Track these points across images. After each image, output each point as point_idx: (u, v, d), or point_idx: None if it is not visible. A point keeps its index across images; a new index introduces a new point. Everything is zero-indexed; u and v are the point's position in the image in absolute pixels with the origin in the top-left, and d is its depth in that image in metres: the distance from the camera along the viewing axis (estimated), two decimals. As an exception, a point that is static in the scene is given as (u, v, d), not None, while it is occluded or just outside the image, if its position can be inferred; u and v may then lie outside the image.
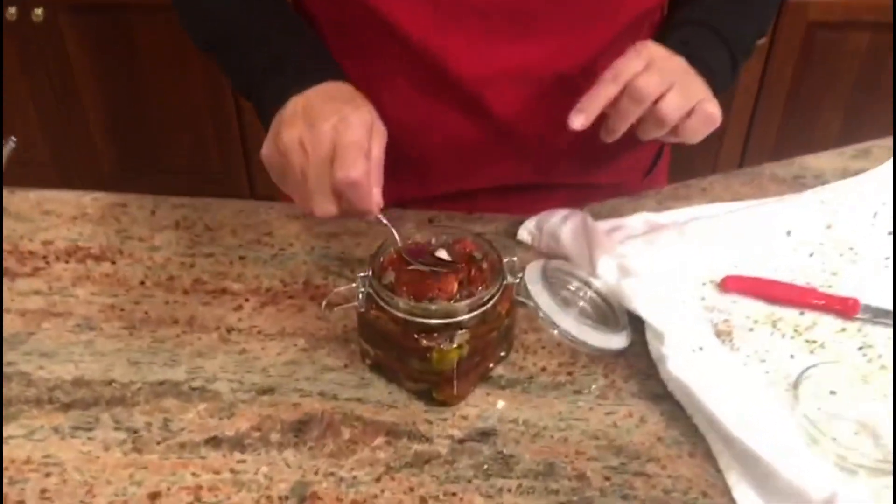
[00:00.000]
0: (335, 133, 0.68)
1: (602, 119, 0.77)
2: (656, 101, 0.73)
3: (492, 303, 0.71)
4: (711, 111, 0.76)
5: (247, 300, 0.85)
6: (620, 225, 0.94)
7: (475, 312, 0.70)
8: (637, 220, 0.95)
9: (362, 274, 0.73)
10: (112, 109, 2.52)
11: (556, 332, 0.75)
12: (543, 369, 0.78)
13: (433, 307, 0.70)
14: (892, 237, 0.90)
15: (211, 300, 0.85)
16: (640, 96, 0.73)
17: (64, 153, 2.61)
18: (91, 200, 0.99)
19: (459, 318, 0.70)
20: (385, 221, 0.73)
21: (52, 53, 2.32)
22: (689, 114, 0.75)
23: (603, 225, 0.92)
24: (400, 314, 0.70)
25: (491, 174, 0.96)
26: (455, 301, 0.71)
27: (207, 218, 0.97)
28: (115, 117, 2.53)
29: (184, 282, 0.88)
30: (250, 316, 0.83)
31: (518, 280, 0.74)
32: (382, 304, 0.71)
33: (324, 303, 0.73)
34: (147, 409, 0.74)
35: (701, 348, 0.74)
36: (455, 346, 0.70)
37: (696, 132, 0.77)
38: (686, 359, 0.73)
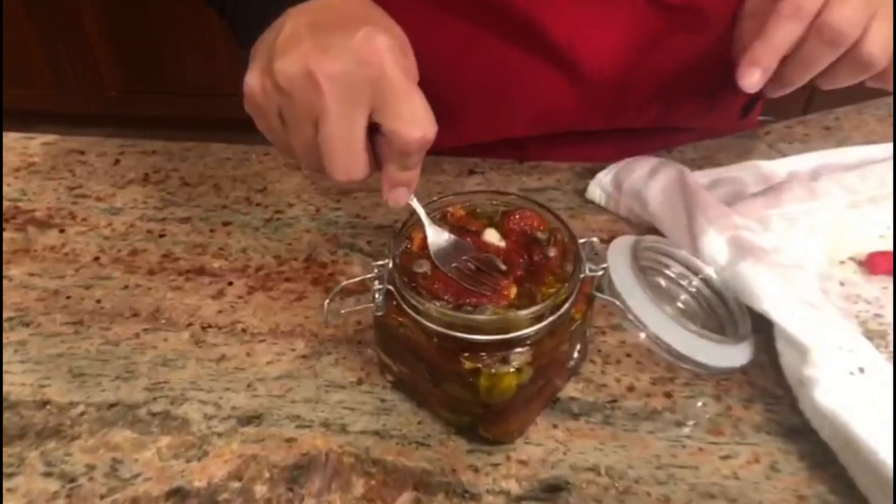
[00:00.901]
0: (366, 58, 0.46)
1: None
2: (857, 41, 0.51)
3: (565, 307, 0.49)
4: None
5: (230, 284, 0.64)
6: (721, 178, 0.71)
7: (542, 324, 0.48)
8: (746, 172, 0.72)
9: (379, 263, 0.51)
10: (114, 25, 2.29)
11: (649, 340, 0.53)
12: (631, 388, 0.56)
13: (482, 317, 0.48)
14: None
15: (183, 284, 0.65)
16: (834, 36, 0.50)
17: (67, 76, 2.41)
18: (41, 146, 0.78)
19: (519, 334, 0.48)
20: (414, 204, 0.52)
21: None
22: None
23: (699, 178, 0.69)
24: (434, 326, 0.48)
25: (547, 118, 0.73)
26: (513, 309, 0.49)
27: (184, 169, 0.75)
28: (118, 34, 2.31)
29: (150, 257, 0.67)
30: (234, 306, 0.63)
31: (602, 272, 0.52)
32: (408, 309, 0.49)
33: (325, 304, 0.52)
34: (90, 446, 0.54)
35: (861, 370, 0.52)
36: (512, 369, 0.49)
37: None
38: (841, 384, 0.51)
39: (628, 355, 0.59)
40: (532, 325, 0.48)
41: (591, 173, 0.72)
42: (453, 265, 0.50)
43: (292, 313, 0.62)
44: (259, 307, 0.62)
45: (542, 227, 0.54)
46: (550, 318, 0.49)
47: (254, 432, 0.54)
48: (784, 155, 0.74)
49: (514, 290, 0.50)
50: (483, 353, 0.49)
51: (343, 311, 0.52)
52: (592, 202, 0.71)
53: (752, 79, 0.53)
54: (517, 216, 0.54)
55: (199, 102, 2.37)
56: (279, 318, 0.61)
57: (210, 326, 0.61)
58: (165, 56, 2.33)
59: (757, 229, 0.61)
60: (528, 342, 0.49)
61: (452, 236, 0.52)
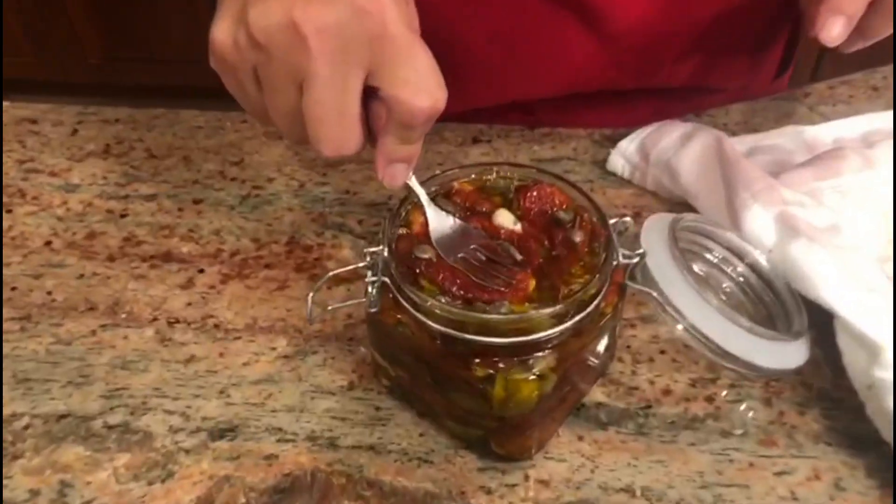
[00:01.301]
0: (364, 7, 0.38)
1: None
2: None
3: (595, 302, 0.41)
4: None
5: (201, 271, 0.56)
6: (759, 146, 0.63)
7: (568, 323, 0.40)
8: (787, 139, 0.63)
9: (372, 250, 0.43)
10: (91, -11, 2.18)
11: (687, 334, 0.45)
12: (667, 392, 0.49)
13: (497, 316, 0.40)
14: None
15: (147, 272, 0.56)
16: None
17: (45, 44, 2.29)
18: (-12, 114, 0.69)
19: (543, 335, 0.40)
20: (413, 183, 0.44)
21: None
22: None
23: (737, 144, 0.61)
24: (438, 326, 0.40)
25: (566, 76, 0.65)
26: (533, 305, 0.41)
27: (151, 139, 0.66)
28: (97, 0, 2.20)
29: (109, 241, 0.58)
30: (205, 298, 0.54)
31: (638, 259, 0.44)
32: (408, 305, 0.41)
33: (309, 297, 0.43)
34: (35, 466, 0.46)
35: (943, 371, 0.44)
36: (533, 376, 0.41)
37: None
38: (920, 389, 0.43)
39: (662, 352, 0.51)
40: (557, 324, 0.40)
41: (612, 141, 0.63)
42: (460, 255, 0.42)
43: (272, 305, 0.54)
44: (234, 299, 0.54)
45: (564, 206, 0.46)
46: (578, 316, 0.40)
47: (227, 448, 0.46)
48: (827, 119, 0.65)
49: (532, 283, 0.42)
50: (497, 358, 0.41)
51: (330, 307, 0.44)
52: (614, 174, 0.62)
53: (833, 30, 0.45)
54: (534, 193, 0.46)
55: (184, 70, 2.26)
56: (257, 312, 0.53)
57: (178, 322, 0.53)
58: (147, 22, 2.22)
59: (809, 204, 0.53)
60: (552, 344, 0.41)
61: (458, 221, 0.44)
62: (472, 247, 0.43)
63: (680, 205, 0.59)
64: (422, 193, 0.44)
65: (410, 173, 0.43)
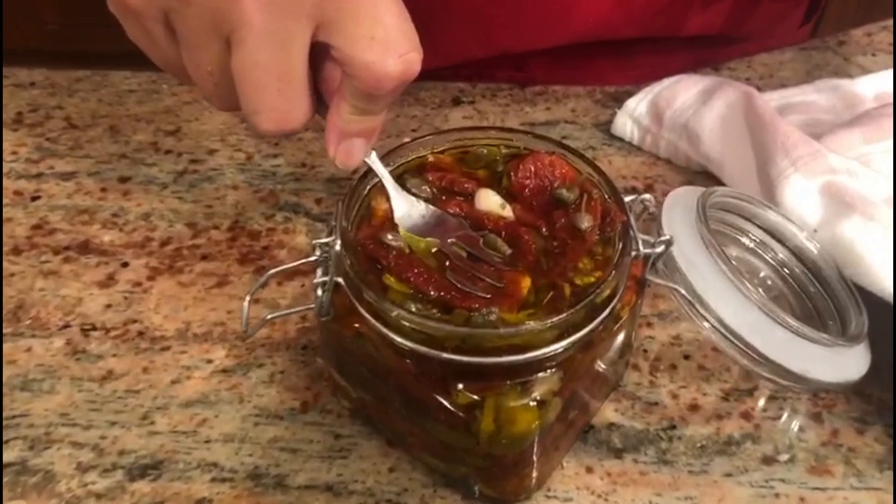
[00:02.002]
0: None
1: None
2: None
3: (610, 307, 0.32)
4: None
5: (125, 265, 0.46)
6: (790, 104, 0.53)
7: (574, 337, 0.31)
8: (821, 95, 0.54)
9: (322, 241, 0.33)
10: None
11: (718, 335, 0.36)
12: (694, 407, 0.40)
13: (483, 331, 0.30)
14: None
15: (60, 266, 0.46)
16: None
17: (1, 9, 2.16)
18: None
19: (540, 353, 0.30)
20: (373, 162, 0.35)
21: None
22: None
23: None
24: (408, 342, 0.31)
25: (562, 24, 0.55)
26: (530, 313, 0.31)
27: (72, 106, 0.56)
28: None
29: (15, 229, 0.48)
30: (128, 298, 0.45)
31: (663, 248, 0.34)
32: (367, 314, 0.32)
33: (246, 301, 0.34)
34: None
35: None
36: (531, 402, 0.31)
37: None
38: None
39: (686, 357, 0.42)
40: (561, 337, 0.30)
41: (617, 100, 0.54)
42: (433, 250, 0.33)
43: (210, 307, 0.44)
44: (164, 299, 0.44)
45: (567, 181, 0.36)
46: (589, 326, 0.31)
47: (149, 490, 0.37)
48: (867, 71, 0.56)
49: (526, 284, 0.32)
50: (485, 381, 0.31)
51: (269, 317, 0.34)
52: (620, 140, 0.53)
53: None
54: (529, 165, 0.36)
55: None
56: (191, 315, 0.44)
57: (93, 329, 0.43)
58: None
59: (862, 174, 0.43)
60: (556, 362, 0.32)
61: (431, 208, 0.35)
62: (449, 241, 0.33)
63: (700, 175, 0.49)
64: (384, 174, 0.34)
65: (370, 150, 0.34)
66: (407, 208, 0.34)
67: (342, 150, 0.34)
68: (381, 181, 0.35)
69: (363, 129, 0.33)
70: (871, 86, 0.54)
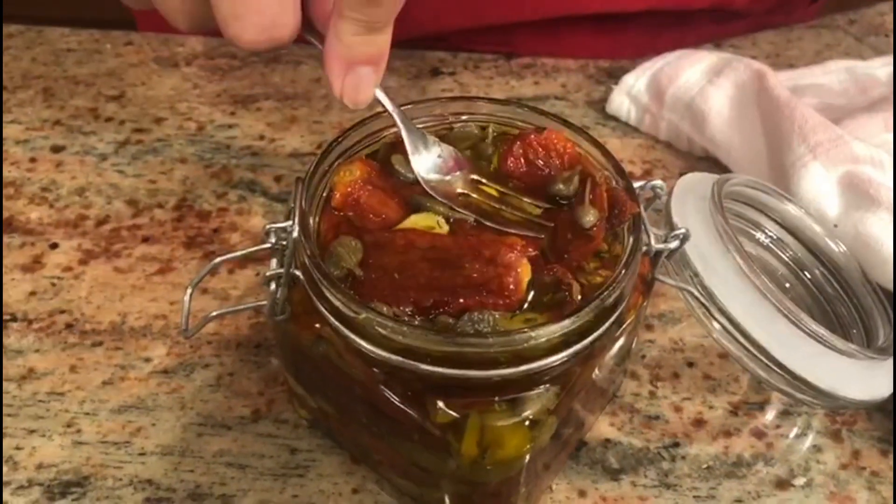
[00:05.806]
0: None
1: None
2: None
3: (617, 313, 0.27)
4: None
5: (54, 246, 0.41)
6: (798, 86, 0.49)
7: (576, 347, 0.26)
8: (832, 77, 0.50)
9: (277, 225, 0.28)
10: None
11: (729, 340, 0.32)
12: (699, 422, 0.35)
13: (478, 339, 0.25)
14: None
15: (-23, 247, 0.40)
16: None
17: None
18: None
19: (537, 365, 0.26)
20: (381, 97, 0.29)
21: None
22: None
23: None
24: (381, 352, 0.26)
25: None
26: (527, 318, 0.26)
27: (8, 63, 0.50)
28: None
29: (-72, 203, 0.42)
30: (56, 284, 0.39)
31: (677, 244, 0.30)
32: (330, 315, 0.26)
33: (187, 294, 0.28)
34: None
35: None
36: (524, 421, 0.26)
37: None
38: None
39: (690, 364, 0.37)
40: (567, 348, 0.26)
41: (612, 75, 0.49)
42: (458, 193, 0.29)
43: (150, 297, 0.38)
44: (97, 286, 0.39)
45: (567, 167, 0.31)
46: (595, 334, 0.26)
47: (70, 513, 0.31)
48: (880, 52, 0.52)
49: (526, 271, 0.27)
50: (468, 396, 0.26)
51: (215, 313, 0.29)
52: (616, 119, 0.48)
53: None
54: (521, 146, 0.31)
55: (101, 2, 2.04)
56: (128, 306, 0.38)
57: (14, 319, 0.37)
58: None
59: (886, 163, 0.39)
60: (552, 375, 0.27)
61: (445, 146, 0.31)
62: (458, 192, 0.29)
63: (704, 161, 0.45)
64: (394, 109, 0.30)
65: (378, 85, 0.29)
66: (425, 150, 0.30)
67: (349, 83, 0.28)
68: (349, 152, 0.30)
69: (370, 53, 0.28)
70: (885, 67, 0.50)
